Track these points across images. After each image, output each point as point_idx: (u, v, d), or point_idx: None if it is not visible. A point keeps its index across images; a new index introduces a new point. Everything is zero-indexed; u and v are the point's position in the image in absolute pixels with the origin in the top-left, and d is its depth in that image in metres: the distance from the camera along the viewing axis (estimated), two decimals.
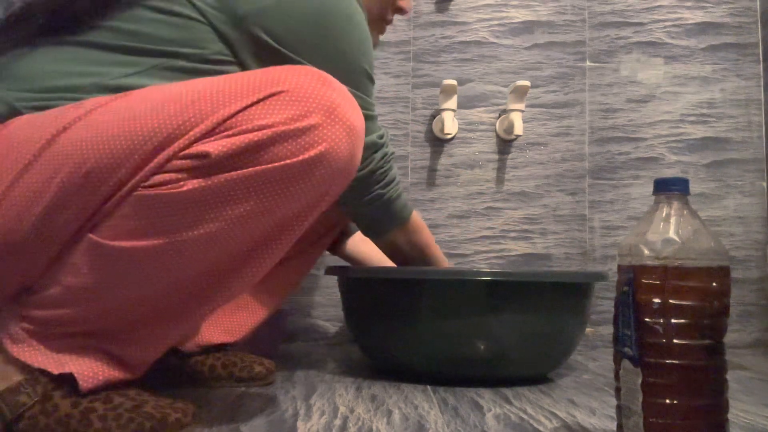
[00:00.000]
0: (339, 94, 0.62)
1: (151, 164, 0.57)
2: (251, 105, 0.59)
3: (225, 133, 0.58)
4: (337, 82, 0.64)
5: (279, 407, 0.79)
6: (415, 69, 1.44)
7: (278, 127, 0.58)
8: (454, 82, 1.33)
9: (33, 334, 0.62)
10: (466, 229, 1.42)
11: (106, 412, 0.62)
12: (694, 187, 1.43)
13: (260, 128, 0.58)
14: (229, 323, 0.96)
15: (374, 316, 0.98)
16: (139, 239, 0.58)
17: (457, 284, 0.90)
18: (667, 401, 0.52)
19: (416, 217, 0.98)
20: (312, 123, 0.59)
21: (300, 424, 0.71)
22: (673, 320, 0.53)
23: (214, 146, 0.57)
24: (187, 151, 0.57)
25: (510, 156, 1.44)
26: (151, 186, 0.57)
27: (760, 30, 1.47)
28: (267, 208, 0.60)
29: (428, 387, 0.92)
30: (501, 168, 1.44)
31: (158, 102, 0.59)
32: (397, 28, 1.44)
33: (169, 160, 0.57)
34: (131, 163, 0.57)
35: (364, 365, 1.12)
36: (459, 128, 1.44)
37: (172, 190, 0.57)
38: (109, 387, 0.64)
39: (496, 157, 1.44)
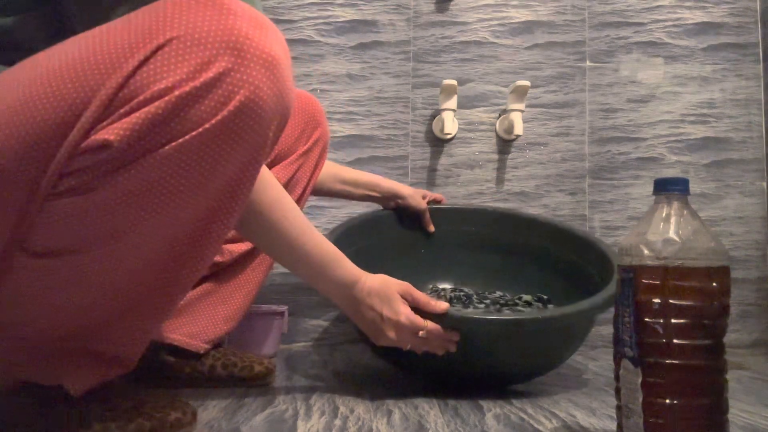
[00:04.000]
0: (242, 18, 0.51)
1: (52, 167, 0.48)
2: (141, 65, 0.48)
3: (122, 110, 0.48)
4: (234, 0, 0.52)
5: (279, 407, 0.78)
6: (415, 69, 1.44)
7: (182, 88, 0.48)
8: (454, 82, 1.33)
9: (12, 351, 0.60)
10: None
11: (105, 412, 0.62)
12: (694, 187, 1.43)
13: (160, 95, 0.48)
14: (225, 311, 0.94)
15: None
16: (72, 250, 0.52)
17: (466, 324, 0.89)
18: (667, 401, 0.52)
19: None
20: (220, 70, 0.49)
21: (300, 424, 0.71)
22: (673, 320, 0.53)
23: (113, 132, 0.48)
24: (85, 144, 0.48)
25: (510, 156, 1.44)
26: (61, 194, 0.49)
27: (760, 30, 1.47)
28: (201, 180, 0.52)
29: (428, 387, 0.92)
30: (501, 168, 1.44)
31: (32, 86, 0.49)
32: (397, 28, 1.44)
33: (70, 158, 0.48)
34: (29, 168, 0.48)
35: (364, 365, 1.12)
36: (459, 128, 1.44)
37: (84, 196, 0.49)
38: (105, 386, 0.64)
39: (496, 157, 1.44)
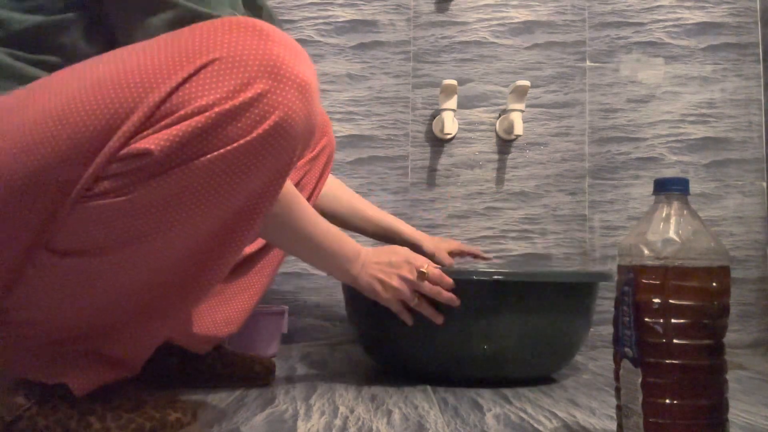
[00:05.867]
0: (279, 44, 0.55)
1: (90, 170, 0.51)
2: (184, 82, 0.52)
3: (163, 122, 0.51)
4: (272, 27, 0.56)
5: (279, 407, 0.78)
6: (415, 69, 1.44)
7: (222, 105, 0.51)
8: (454, 82, 1.33)
9: (18, 349, 0.60)
10: (466, 229, 1.42)
11: (106, 412, 0.62)
12: (694, 187, 1.43)
13: (201, 110, 0.51)
14: (227, 313, 0.93)
15: (378, 315, 0.98)
16: (97, 251, 0.54)
17: (461, 284, 0.90)
18: (667, 401, 0.52)
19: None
20: (258, 91, 0.53)
21: (300, 424, 0.71)
22: (673, 320, 0.53)
23: (154, 141, 0.50)
24: (125, 152, 0.50)
25: (510, 156, 1.44)
26: (94, 196, 0.51)
27: (760, 30, 1.47)
28: (228, 193, 0.55)
29: (428, 387, 0.92)
30: (501, 168, 1.44)
31: (76, 94, 0.52)
32: (397, 28, 1.44)
33: (107, 163, 0.51)
34: (66, 170, 0.51)
35: (364, 365, 1.12)
36: (459, 128, 1.44)
37: (118, 199, 0.51)
38: (106, 386, 0.64)
39: (496, 157, 1.44)
